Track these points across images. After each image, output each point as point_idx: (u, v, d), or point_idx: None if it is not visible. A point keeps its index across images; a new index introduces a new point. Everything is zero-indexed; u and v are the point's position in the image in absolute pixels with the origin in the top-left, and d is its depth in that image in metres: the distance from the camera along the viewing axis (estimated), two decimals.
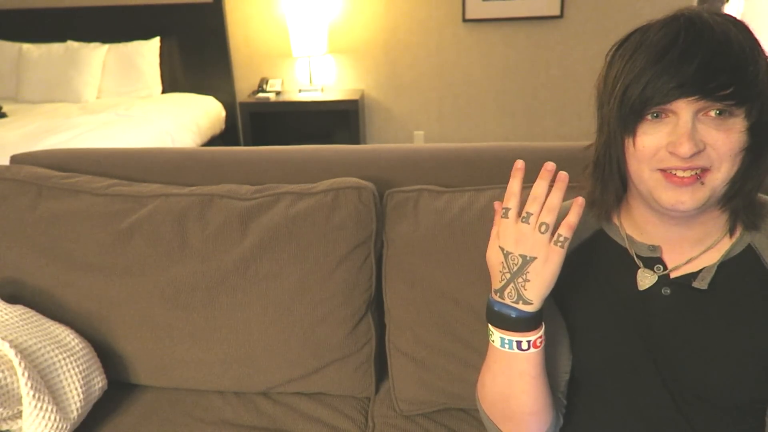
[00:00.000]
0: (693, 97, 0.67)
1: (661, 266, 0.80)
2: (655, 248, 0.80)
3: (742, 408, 0.78)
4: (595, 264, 0.84)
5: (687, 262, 0.79)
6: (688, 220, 0.76)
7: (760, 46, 0.70)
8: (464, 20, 3.73)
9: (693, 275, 0.78)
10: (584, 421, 0.89)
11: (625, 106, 0.71)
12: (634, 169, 0.74)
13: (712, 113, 0.68)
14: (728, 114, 0.68)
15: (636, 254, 0.81)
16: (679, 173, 0.70)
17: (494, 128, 3.98)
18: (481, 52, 3.82)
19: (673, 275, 0.79)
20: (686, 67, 0.66)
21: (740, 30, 0.69)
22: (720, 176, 0.70)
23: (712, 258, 0.78)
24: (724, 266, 0.77)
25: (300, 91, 3.84)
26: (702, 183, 0.70)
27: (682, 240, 0.78)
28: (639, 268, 0.81)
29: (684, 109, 0.68)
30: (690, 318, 0.78)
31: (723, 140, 0.68)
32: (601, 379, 0.85)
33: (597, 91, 0.79)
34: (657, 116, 0.70)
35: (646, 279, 0.80)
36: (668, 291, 0.79)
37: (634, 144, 0.72)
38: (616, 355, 0.82)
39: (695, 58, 0.66)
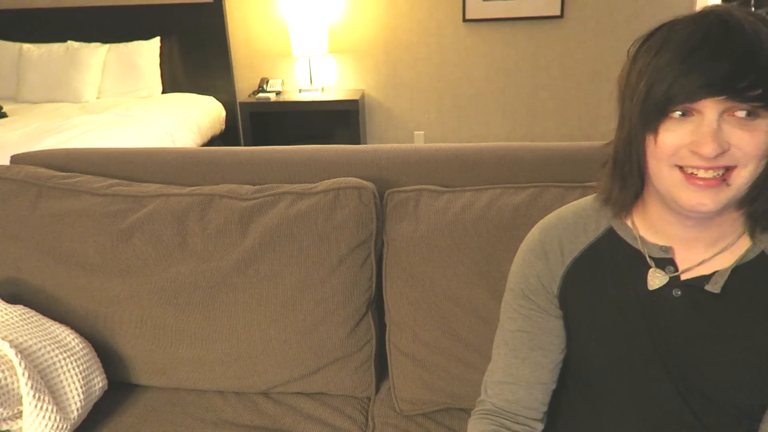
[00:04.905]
0: (721, 97, 0.65)
1: (672, 267, 0.79)
2: (667, 249, 0.79)
3: (752, 411, 0.78)
4: (605, 264, 0.84)
5: (699, 264, 0.78)
6: (706, 220, 0.75)
7: None
8: (464, 20, 3.73)
9: (705, 278, 0.77)
10: (592, 420, 0.89)
11: (650, 102, 0.69)
12: (653, 167, 0.72)
13: (740, 113, 0.66)
14: (755, 115, 0.66)
15: (648, 255, 0.81)
16: (701, 173, 0.68)
17: (494, 128, 3.98)
18: (481, 52, 3.82)
19: (684, 277, 0.78)
20: (716, 66, 0.64)
21: None
22: (746, 175, 0.68)
23: (725, 261, 0.77)
24: (737, 271, 0.76)
25: (300, 91, 3.84)
26: (728, 184, 0.69)
27: (696, 241, 0.78)
28: (650, 267, 0.80)
29: (710, 108, 0.66)
30: (700, 321, 0.77)
31: (749, 140, 0.66)
32: (610, 378, 0.84)
33: (619, 87, 0.77)
34: (682, 114, 0.68)
35: (656, 279, 0.79)
36: (679, 293, 0.78)
37: (655, 141, 0.71)
38: (624, 355, 0.82)
39: (725, 57, 0.64)
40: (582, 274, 0.85)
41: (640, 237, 0.81)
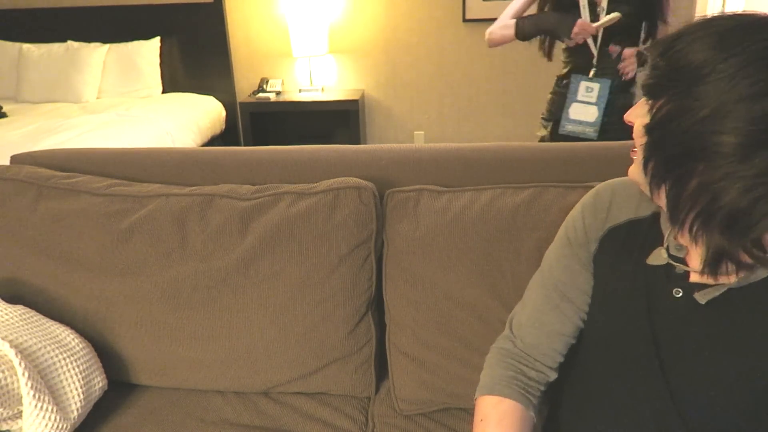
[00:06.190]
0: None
1: (683, 268, 0.78)
2: (681, 248, 0.79)
3: (741, 427, 0.77)
4: (636, 244, 0.84)
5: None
6: None
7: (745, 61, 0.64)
8: (464, 20, 3.73)
9: (706, 287, 0.76)
10: (583, 399, 0.90)
11: None
12: None
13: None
14: (647, 102, 0.71)
15: (668, 248, 0.80)
16: None
17: (494, 128, 3.98)
18: (481, 52, 3.82)
19: (692, 279, 0.78)
20: (650, 50, 0.72)
21: (721, 42, 0.64)
22: (639, 155, 0.75)
23: (732, 277, 0.74)
24: (740, 290, 0.74)
25: (300, 91, 3.84)
26: (634, 157, 0.77)
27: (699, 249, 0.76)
28: (660, 247, 0.80)
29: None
30: (690, 327, 0.77)
31: (637, 121, 0.74)
32: (607, 359, 0.85)
33: None
34: None
35: (656, 258, 0.80)
36: (680, 293, 0.78)
37: None
38: (623, 341, 0.82)
39: (653, 48, 0.71)
40: (615, 244, 0.86)
41: (672, 228, 0.81)
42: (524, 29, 2.03)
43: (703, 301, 0.75)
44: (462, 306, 1.14)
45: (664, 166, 0.70)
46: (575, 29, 1.89)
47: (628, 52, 1.92)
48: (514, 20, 2.04)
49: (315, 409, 1.20)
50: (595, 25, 1.87)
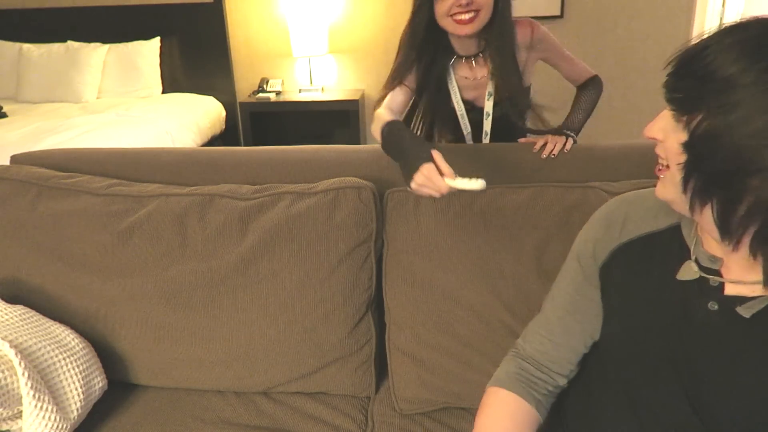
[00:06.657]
0: (664, 90, 0.70)
1: (718, 280, 0.75)
2: (715, 260, 0.76)
3: None
4: (657, 257, 0.82)
5: (745, 284, 0.74)
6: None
7: None
8: None
9: (745, 299, 0.73)
10: (598, 413, 0.89)
11: None
12: None
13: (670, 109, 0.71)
14: (677, 118, 0.69)
15: (697, 259, 0.78)
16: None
17: None
18: None
19: (727, 292, 0.75)
20: (671, 65, 0.70)
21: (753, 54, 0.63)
22: (669, 175, 0.72)
23: None
24: None
25: (300, 91, 3.84)
26: (662, 176, 0.75)
27: (747, 262, 0.73)
28: (693, 265, 0.77)
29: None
30: (728, 341, 0.74)
31: (668, 137, 0.71)
32: (627, 371, 0.84)
33: None
34: None
35: (688, 273, 0.77)
36: (716, 306, 0.75)
37: None
38: (647, 353, 0.80)
39: (676, 59, 0.69)
40: (630, 258, 0.84)
41: (698, 238, 0.79)
42: (383, 145, 1.26)
43: (747, 315, 0.72)
44: (462, 306, 1.14)
45: (710, 183, 0.67)
46: (419, 179, 1.03)
47: (528, 139, 1.42)
48: (383, 127, 1.24)
49: (315, 408, 1.20)
50: (448, 183, 1.03)
